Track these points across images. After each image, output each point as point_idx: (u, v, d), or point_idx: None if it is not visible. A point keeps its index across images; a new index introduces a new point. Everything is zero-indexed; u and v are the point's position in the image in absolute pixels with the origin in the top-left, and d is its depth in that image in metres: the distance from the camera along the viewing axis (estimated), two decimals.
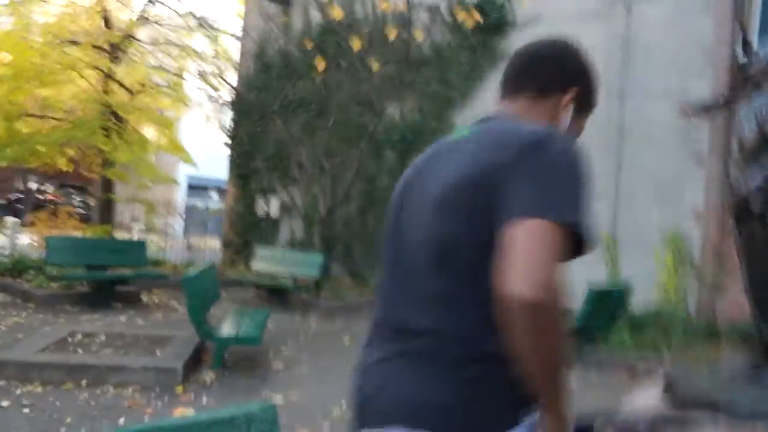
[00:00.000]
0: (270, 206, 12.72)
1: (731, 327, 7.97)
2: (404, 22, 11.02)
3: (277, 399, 4.98)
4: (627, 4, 9.40)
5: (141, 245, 9.49)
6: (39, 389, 4.79)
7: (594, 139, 8.63)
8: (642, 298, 7.97)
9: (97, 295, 8.28)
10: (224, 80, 13.78)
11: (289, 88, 12.49)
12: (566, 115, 1.58)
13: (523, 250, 1.18)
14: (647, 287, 8.31)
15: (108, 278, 8.45)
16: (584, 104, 1.62)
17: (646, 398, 4.24)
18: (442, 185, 1.40)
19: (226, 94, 13.91)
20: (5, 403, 4.47)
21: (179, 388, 5.11)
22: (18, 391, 4.72)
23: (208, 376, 5.50)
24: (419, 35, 10.46)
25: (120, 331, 6.53)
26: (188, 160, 14.86)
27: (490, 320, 1.25)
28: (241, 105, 13.19)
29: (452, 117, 10.85)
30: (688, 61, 8.92)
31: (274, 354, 6.56)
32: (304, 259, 9.95)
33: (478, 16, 9.11)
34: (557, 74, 1.60)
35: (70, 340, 5.99)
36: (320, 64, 9.91)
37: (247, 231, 13.01)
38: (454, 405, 1.29)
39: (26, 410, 4.35)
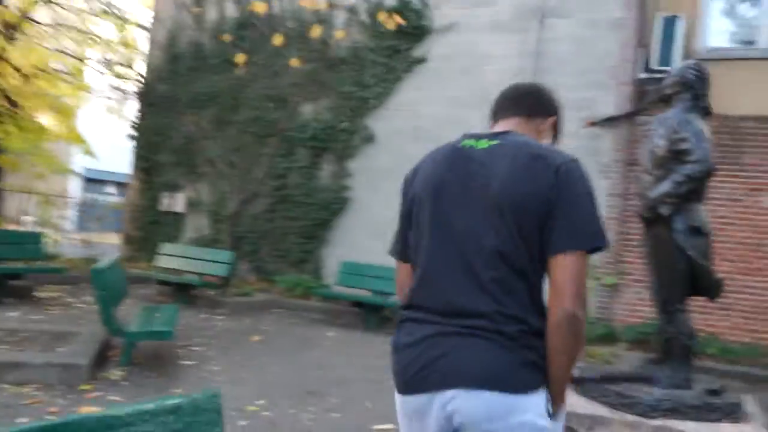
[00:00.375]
0: (175, 202, 12.26)
1: (627, 328, 8.39)
2: (324, 20, 10.93)
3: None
4: (540, 19, 9.72)
5: (36, 237, 8.86)
6: None
7: None
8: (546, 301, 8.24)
9: None
10: (131, 69, 13.20)
11: (201, 81, 12.11)
12: (548, 136, 2.02)
13: (571, 278, 1.65)
14: None
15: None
16: (557, 131, 2.06)
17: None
18: (506, 194, 1.71)
19: (132, 85, 13.33)
20: None
21: (85, 386, 4.80)
22: None
23: (115, 373, 5.20)
24: (341, 34, 10.39)
25: (14, 327, 6.06)
26: (87, 150, 14.05)
27: (534, 304, 1.72)
28: (148, 96, 12.66)
29: (366, 119, 10.85)
30: (594, 76, 9.29)
31: (182, 351, 6.29)
32: (212, 256, 9.66)
33: (399, 20, 9.15)
34: (539, 103, 2.02)
35: None
36: (240, 59, 9.70)
37: (149, 227, 12.48)
38: (510, 368, 1.65)
39: None
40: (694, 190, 4.17)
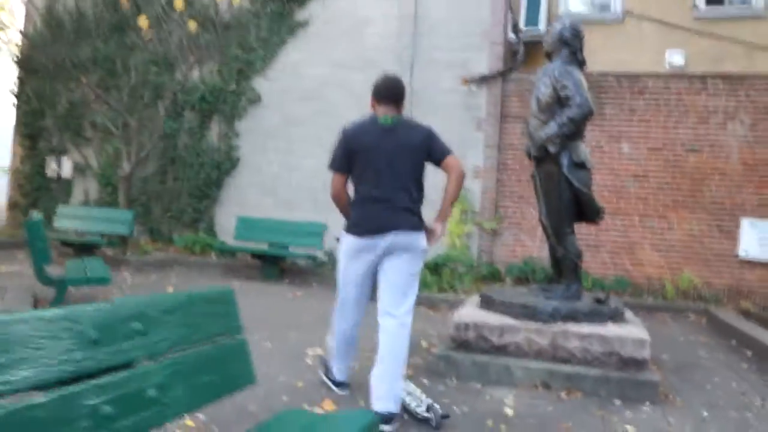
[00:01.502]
0: (62, 167, 11.76)
1: (509, 266, 9.15)
2: None
3: None
4: None
5: None
6: None
7: None
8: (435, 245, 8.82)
9: None
10: (4, 35, 12.32)
11: (84, 47, 11.55)
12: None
13: (455, 161, 3.61)
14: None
15: None
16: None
17: (468, 310, 4.87)
18: (412, 144, 3.59)
19: (8, 51, 12.48)
20: None
21: None
22: None
23: None
24: None
25: None
26: None
27: (420, 195, 3.69)
28: (28, 62, 11.92)
29: (252, 80, 10.84)
30: (469, 37, 9.76)
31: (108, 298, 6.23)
32: (111, 216, 9.46)
33: None
34: (403, 96, 3.72)
35: None
36: (144, 23, 9.44)
37: (35, 192, 11.94)
38: (415, 222, 3.60)
39: None
40: (576, 131, 4.72)
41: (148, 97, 11.07)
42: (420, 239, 3.55)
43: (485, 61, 9.63)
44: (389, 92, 3.65)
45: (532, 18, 9.50)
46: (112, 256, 9.26)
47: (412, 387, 3.70)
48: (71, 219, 9.67)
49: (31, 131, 11.91)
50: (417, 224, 3.56)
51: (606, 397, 4.07)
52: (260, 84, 10.65)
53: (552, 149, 4.58)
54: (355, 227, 3.60)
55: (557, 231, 4.72)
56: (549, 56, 4.94)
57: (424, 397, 3.59)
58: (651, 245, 8.83)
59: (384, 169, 3.53)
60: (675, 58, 9.37)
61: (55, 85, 11.80)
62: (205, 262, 9.65)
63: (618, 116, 8.98)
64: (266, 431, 2.12)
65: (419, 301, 7.20)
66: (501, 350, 4.41)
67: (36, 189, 11.90)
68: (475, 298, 5.32)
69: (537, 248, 9.27)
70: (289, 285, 8.69)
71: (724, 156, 8.70)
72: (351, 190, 3.75)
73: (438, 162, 3.62)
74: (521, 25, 9.58)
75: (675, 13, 9.30)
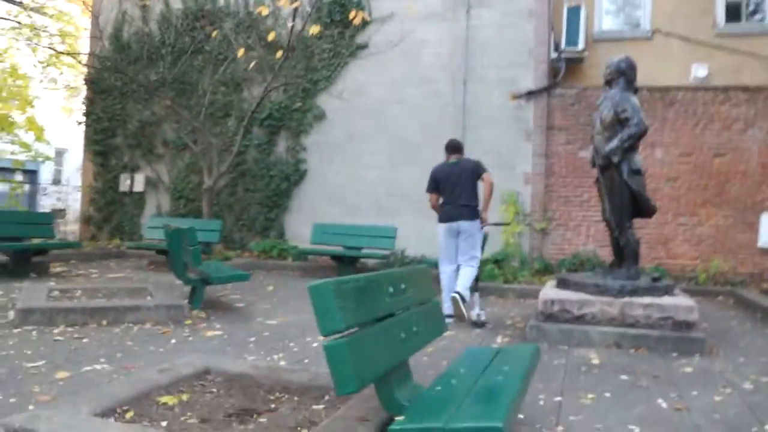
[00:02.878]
0: (134, 182, 13.17)
1: (560, 261, 10.50)
2: (271, 12, 12.17)
3: (272, 322, 6.25)
4: (466, 8, 11.49)
5: (48, 217, 9.74)
6: (70, 329, 5.54)
7: (444, 118, 10.83)
8: (493, 243, 10.20)
9: (16, 266, 8.57)
10: (74, 58, 13.76)
11: (152, 68, 13.00)
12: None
13: (488, 177, 6.95)
14: (495, 235, 10.54)
15: (26, 249, 8.73)
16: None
17: (549, 291, 6.23)
18: (468, 172, 6.98)
19: (79, 74, 13.95)
20: (60, 338, 5.23)
21: (187, 321, 6.13)
22: (55, 330, 5.45)
23: (199, 313, 6.51)
24: (313, 29, 11.44)
25: (93, 287, 7.17)
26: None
27: (476, 198, 6.99)
28: (98, 84, 13.37)
29: (316, 99, 12.25)
30: (516, 56, 11.22)
31: (225, 299, 7.63)
32: (200, 225, 10.79)
33: (364, 15, 10.46)
34: (462, 149, 7.32)
35: (53, 294, 6.57)
36: (241, 53, 10.76)
37: (108, 207, 13.37)
38: (474, 214, 6.92)
39: (81, 342, 5.14)
40: (633, 145, 6.10)
41: (216, 115, 12.42)
42: (475, 224, 6.91)
43: (531, 78, 11.04)
44: (453, 149, 7.27)
45: (572, 38, 10.90)
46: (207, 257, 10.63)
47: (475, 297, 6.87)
48: (158, 229, 10.97)
49: (102, 149, 13.39)
50: (473, 215, 6.90)
51: (665, 351, 5.51)
52: (325, 102, 12.01)
53: (615, 159, 5.97)
54: (440, 219, 7.08)
55: (620, 225, 6.13)
56: (609, 83, 6.33)
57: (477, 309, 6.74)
58: (683, 239, 10.19)
59: (454, 187, 6.95)
60: (700, 71, 10.74)
61: (125, 105, 13.19)
62: (282, 265, 11.09)
63: (652, 125, 10.26)
64: (469, 358, 3.46)
65: (491, 291, 8.60)
66: (580, 319, 5.82)
67: (109, 203, 13.42)
68: (551, 283, 6.72)
69: (582, 245, 10.61)
70: None
71: (745, 159, 10.09)
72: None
73: (479, 177, 6.96)
74: (562, 44, 10.90)
75: (698, 30, 10.72)
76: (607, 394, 4.28)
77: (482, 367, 3.16)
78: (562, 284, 6.43)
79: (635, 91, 6.39)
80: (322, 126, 12.23)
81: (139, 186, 13.16)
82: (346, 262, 10.56)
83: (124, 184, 13.20)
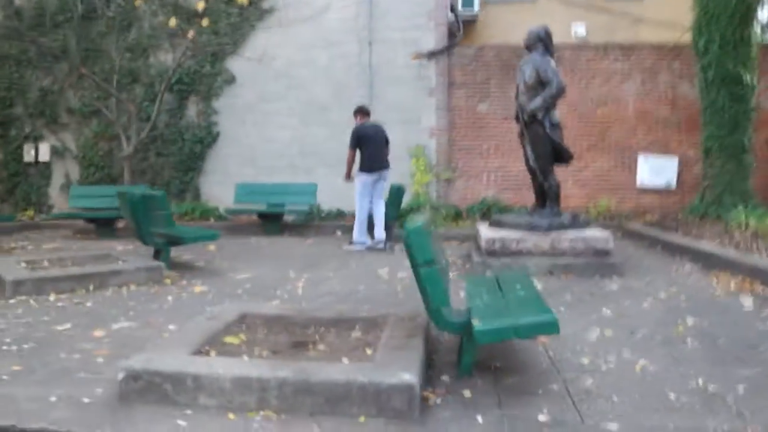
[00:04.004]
0: (39, 152, 12.86)
1: (469, 207, 11.63)
2: None
3: (244, 275, 6.83)
4: None
5: None
6: (63, 296, 5.84)
7: (351, 78, 11.65)
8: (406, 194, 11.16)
9: None
10: None
11: (48, 36, 12.58)
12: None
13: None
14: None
15: None
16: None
17: (486, 231, 7.24)
18: (383, 133, 9.08)
19: None
20: (60, 304, 5.56)
21: (167, 280, 6.58)
22: (50, 298, 5.74)
23: (171, 273, 6.93)
24: None
25: (57, 257, 7.32)
26: None
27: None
28: None
29: (226, 62, 12.47)
30: (417, 18, 12.01)
31: (179, 258, 8.02)
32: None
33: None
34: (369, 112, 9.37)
35: (27, 265, 6.72)
36: (200, 4, 10.89)
37: (13, 178, 12.99)
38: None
39: (86, 306, 5.51)
40: (553, 102, 7.15)
41: (122, 82, 12.31)
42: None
43: (432, 39, 11.89)
44: (367, 113, 9.19)
45: (468, 1, 11.78)
46: (125, 227, 10.75)
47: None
48: (85, 198, 11.03)
49: (1, 120, 12.82)
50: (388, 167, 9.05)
51: (590, 275, 6.66)
52: (234, 65, 12.28)
53: (539, 116, 6.98)
54: (369, 170, 8.78)
55: (544, 171, 7.21)
56: (528, 49, 7.28)
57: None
58: (573, 181, 11.57)
59: (377, 144, 8.85)
60: (579, 30, 12.02)
61: (23, 73, 12.75)
62: (207, 226, 11.33)
63: None
64: (476, 284, 4.30)
65: None
66: (518, 253, 6.88)
67: (12, 175, 13.05)
68: (484, 225, 7.71)
69: (483, 191, 11.77)
70: (292, 237, 10.62)
71: (622, 108, 11.53)
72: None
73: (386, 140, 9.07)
74: (459, 6, 11.85)
75: None
76: (562, 308, 5.32)
77: (497, 288, 4.04)
78: (497, 224, 7.46)
79: (552, 55, 7.43)
80: (232, 89, 12.49)
81: (44, 156, 12.87)
82: (271, 219, 11.12)
83: (28, 154, 12.87)
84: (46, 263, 6.93)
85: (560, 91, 7.07)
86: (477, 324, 3.17)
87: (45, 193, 13.07)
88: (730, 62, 9.78)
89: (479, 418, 3.12)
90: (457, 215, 11.47)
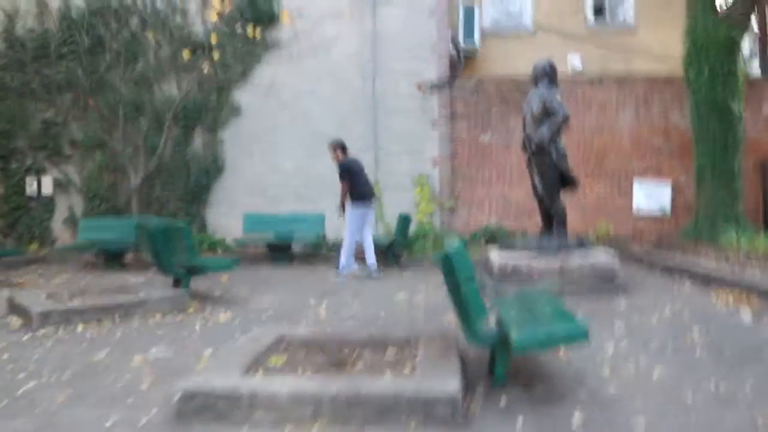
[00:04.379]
0: (41, 185, 13.04)
1: (472, 234, 11.97)
2: (179, 8, 12.59)
3: (263, 304, 7.10)
4: (372, 6, 12.57)
5: None
6: (90, 326, 6.08)
7: (356, 110, 12.06)
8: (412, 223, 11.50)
9: None
10: None
11: (52, 67, 12.87)
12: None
13: None
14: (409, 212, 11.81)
15: None
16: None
17: (498, 256, 7.57)
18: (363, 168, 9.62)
19: None
20: (89, 334, 5.80)
21: (190, 310, 6.84)
22: (78, 329, 5.98)
23: (193, 303, 7.20)
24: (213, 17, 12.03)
25: (77, 288, 7.57)
26: None
27: None
28: None
29: (231, 94, 12.84)
30: (420, 50, 12.47)
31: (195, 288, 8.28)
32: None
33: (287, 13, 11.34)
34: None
35: (48, 297, 6.96)
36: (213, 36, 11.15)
37: (13, 212, 13.11)
38: None
39: (115, 336, 5.77)
40: (558, 133, 7.55)
41: (128, 114, 12.62)
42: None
43: (434, 70, 12.33)
44: (340, 143, 9.48)
45: (468, 33, 12.28)
46: (141, 259, 11.01)
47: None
48: (95, 231, 11.23)
49: (1, 152, 13.04)
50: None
51: (599, 294, 7.00)
52: (240, 97, 12.66)
53: (545, 145, 7.36)
54: (362, 201, 9.12)
55: (551, 197, 7.58)
56: (535, 82, 7.70)
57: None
58: (572, 207, 11.87)
59: (365, 177, 9.33)
60: (575, 61, 12.51)
61: (25, 106, 12.99)
62: (214, 256, 11.58)
63: None
64: (503, 301, 4.61)
65: (427, 262, 9.83)
66: (529, 275, 7.19)
67: (14, 209, 13.14)
68: (494, 251, 8.02)
69: (486, 219, 12.13)
70: (301, 266, 10.87)
71: (618, 137, 11.98)
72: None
73: None
74: (460, 40, 12.33)
75: (572, 24, 12.45)
76: None
77: (524, 305, 4.37)
78: (507, 247, 7.81)
79: (557, 86, 7.85)
80: (238, 120, 12.84)
81: (47, 189, 13.05)
82: (280, 249, 11.40)
83: (30, 187, 13.02)
84: (66, 295, 7.15)
85: (565, 120, 7.48)
86: (515, 335, 3.48)
87: (48, 227, 13.20)
88: (720, 93, 10.28)
89: (519, 423, 3.41)
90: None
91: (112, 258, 10.87)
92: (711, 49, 10.24)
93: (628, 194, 12.15)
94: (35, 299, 6.71)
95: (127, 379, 4.44)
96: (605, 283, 7.12)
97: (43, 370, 4.67)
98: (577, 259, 7.28)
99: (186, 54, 11.38)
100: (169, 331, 5.92)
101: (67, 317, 6.16)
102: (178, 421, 3.57)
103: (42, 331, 5.90)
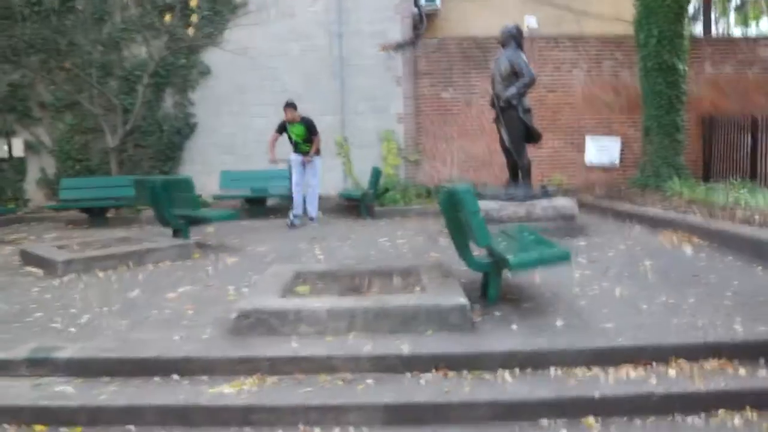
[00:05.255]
0: (12, 147, 13.34)
1: (435, 188, 12.90)
2: None
3: (261, 249, 7.88)
4: None
5: None
6: (110, 272, 6.77)
7: (323, 69, 12.79)
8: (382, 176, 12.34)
9: None
10: None
11: (17, 29, 13.06)
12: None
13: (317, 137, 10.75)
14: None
15: None
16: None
17: None
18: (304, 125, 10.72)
19: None
20: (114, 278, 6.51)
21: (195, 256, 7.59)
22: (100, 274, 6.67)
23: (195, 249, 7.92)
24: None
25: (84, 240, 8.19)
26: None
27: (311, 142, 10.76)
28: None
29: (201, 55, 13.30)
30: (384, 12, 13.13)
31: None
32: (114, 183, 11.73)
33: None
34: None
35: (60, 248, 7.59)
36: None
37: None
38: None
39: (138, 278, 6.49)
40: (525, 91, 8.45)
41: (96, 75, 12.98)
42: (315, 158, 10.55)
43: (398, 31, 13.03)
44: (289, 104, 10.36)
45: None
46: (121, 215, 11.57)
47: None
48: (75, 190, 11.74)
49: None
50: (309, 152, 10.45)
51: (561, 235, 8.03)
52: (209, 58, 13.14)
53: (514, 102, 8.26)
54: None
55: (518, 151, 8.54)
56: (503, 45, 8.54)
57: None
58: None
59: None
60: (531, 22, 13.40)
61: None
62: None
63: None
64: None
65: (395, 213, 10.73)
66: (498, 220, 8.13)
67: None
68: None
69: (448, 172, 13.07)
70: (277, 218, 11.58)
71: (571, 93, 12.99)
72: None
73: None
74: (422, 0, 13.06)
75: None
76: None
77: (509, 238, 5.32)
78: (477, 197, 8.72)
79: (522, 50, 8.72)
80: (208, 81, 13.34)
81: (18, 151, 13.36)
82: (256, 203, 12.12)
83: (1, 150, 13.30)
84: (75, 247, 7.79)
85: (532, 81, 8.39)
86: (511, 258, 4.41)
87: (21, 188, 13.55)
88: (666, 53, 11.32)
89: (513, 327, 4.37)
90: (427, 193, 12.73)
91: (97, 215, 11.40)
92: (660, 12, 11.24)
93: (580, 148, 13.24)
94: (51, 251, 7.34)
95: (172, 309, 5.22)
96: (567, 226, 8.13)
97: (91, 306, 5.40)
98: (541, 205, 8.28)
99: (167, 18, 11.77)
100: (186, 273, 6.67)
101: (87, 265, 6.85)
102: (236, 335, 4.39)
103: (67, 278, 6.57)
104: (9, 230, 10.98)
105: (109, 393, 3.86)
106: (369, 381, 3.87)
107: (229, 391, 3.83)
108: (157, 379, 4.05)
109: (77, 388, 3.98)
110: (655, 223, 8.65)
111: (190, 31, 12.16)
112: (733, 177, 11.14)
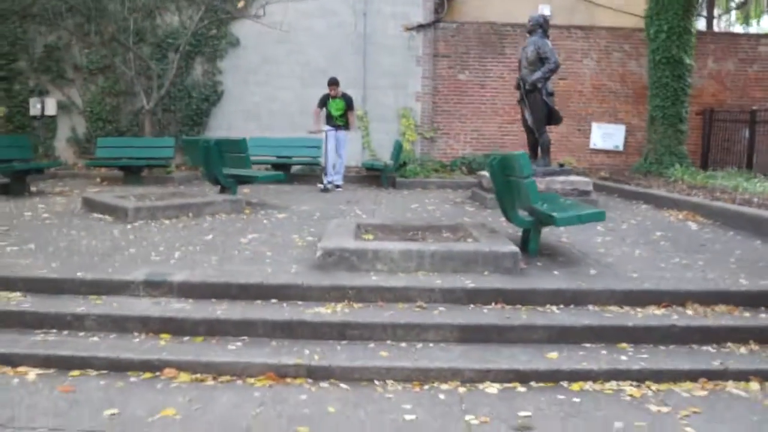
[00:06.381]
0: (45, 106, 13.98)
1: (453, 161, 13.74)
2: None
3: (305, 208, 8.67)
4: None
5: (25, 140, 10.77)
6: (174, 220, 7.53)
7: (348, 46, 13.68)
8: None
9: (15, 185, 9.82)
10: None
11: None
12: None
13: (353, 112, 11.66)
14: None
15: (27, 169, 10.00)
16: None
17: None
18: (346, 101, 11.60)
19: None
20: (181, 225, 7.28)
21: (247, 211, 8.36)
22: (165, 222, 7.43)
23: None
24: None
25: (140, 193, 8.93)
26: None
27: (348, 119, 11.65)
28: None
29: (230, 27, 13.98)
30: None
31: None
32: (154, 144, 12.43)
33: None
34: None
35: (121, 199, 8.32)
36: None
37: (17, 131, 14.05)
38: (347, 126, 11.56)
39: (202, 226, 7.25)
40: (549, 75, 9.28)
41: (129, 42, 13.62)
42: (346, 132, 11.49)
43: (420, 13, 13.77)
44: (332, 81, 11.17)
45: None
46: (153, 174, 12.28)
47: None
48: (111, 149, 12.42)
49: (5, 74, 13.92)
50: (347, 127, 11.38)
51: None
52: (238, 29, 13.83)
53: (539, 86, 9.07)
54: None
55: (539, 130, 9.35)
56: (530, 33, 9.34)
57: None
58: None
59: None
60: (545, 11, 14.19)
61: (26, 29, 13.82)
62: None
63: (515, 54, 13.67)
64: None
65: (417, 185, 11.55)
66: None
67: (18, 127, 14.10)
68: (482, 172, 9.78)
69: (461, 149, 13.91)
70: (300, 185, 12.33)
71: (581, 81, 13.83)
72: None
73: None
74: None
75: None
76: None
77: (550, 200, 6.18)
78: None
79: (548, 37, 9.53)
80: (236, 51, 14.04)
81: (50, 110, 14.00)
82: (281, 169, 12.86)
83: (35, 108, 13.93)
84: (133, 198, 8.49)
85: (556, 67, 9.21)
86: (556, 215, 5.27)
87: (51, 146, 14.25)
88: (675, 48, 12.21)
89: (555, 273, 5.24)
90: (442, 167, 13.58)
91: (133, 174, 12.10)
92: (671, 8, 12.11)
93: (587, 134, 14.12)
94: (116, 199, 8.09)
95: (251, 250, 6.01)
96: (582, 200, 8.99)
97: (175, 245, 6.16)
98: (559, 180, 9.15)
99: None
100: (245, 224, 7.46)
101: (152, 213, 7.61)
102: (321, 270, 5.21)
103: (138, 223, 7.32)
104: (47, 185, 11.63)
105: (222, 310, 4.67)
106: (441, 308, 4.72)
107: (324, 312, 4.66)
108: (259, 302, 4.86)
109: (192, 306, 4.79)
110: (661, 203, 9.53)
111: (240, 3, 12.86)
112: (731, 167, 12.08)
